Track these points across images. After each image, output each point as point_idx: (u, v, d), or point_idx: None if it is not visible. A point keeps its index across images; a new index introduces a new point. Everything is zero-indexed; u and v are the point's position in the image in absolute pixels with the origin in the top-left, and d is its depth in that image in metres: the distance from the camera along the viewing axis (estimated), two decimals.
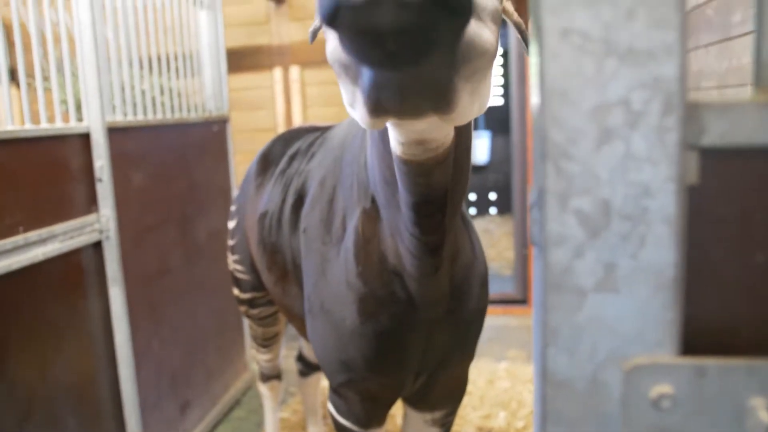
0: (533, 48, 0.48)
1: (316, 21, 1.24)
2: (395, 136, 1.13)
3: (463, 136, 1.24)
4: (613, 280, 0.49)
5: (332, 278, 1.59)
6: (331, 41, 0.85)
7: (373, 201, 1.49)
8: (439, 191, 1.22)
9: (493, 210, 7.74)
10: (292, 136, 2.28)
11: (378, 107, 0.83)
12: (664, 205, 0.47)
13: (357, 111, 0.88)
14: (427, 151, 1.13)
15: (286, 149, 2.20)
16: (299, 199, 1.86)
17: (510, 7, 1.26)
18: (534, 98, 0.48)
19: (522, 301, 4.96)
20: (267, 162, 2.26)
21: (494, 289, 5.18)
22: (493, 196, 7.70)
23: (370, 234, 1.50)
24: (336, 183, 1.67)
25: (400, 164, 1.18)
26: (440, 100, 0.84)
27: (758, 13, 0.49)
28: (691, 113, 0.48)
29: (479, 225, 6.96)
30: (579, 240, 0.49)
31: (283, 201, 1.95)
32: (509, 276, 5.55)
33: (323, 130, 2.14)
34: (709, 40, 2.42)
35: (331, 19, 0.66)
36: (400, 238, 1.39)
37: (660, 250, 0.48)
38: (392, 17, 0.63)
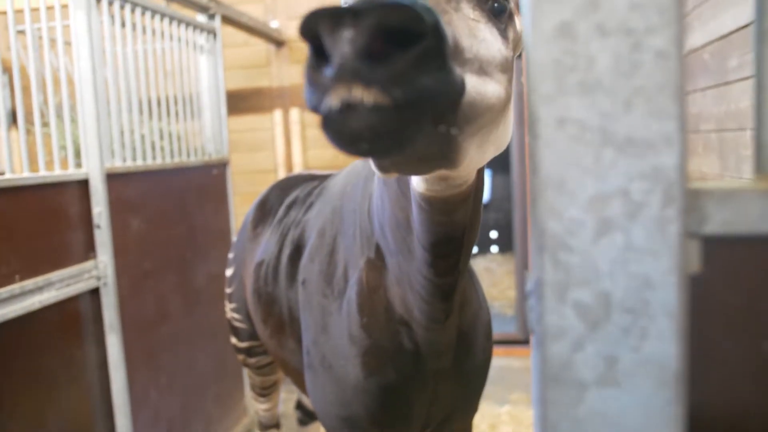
0: (530, 136, 0.46)
1: None
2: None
3: (479, 175, 1.23)
4: (615, 374, 0.47)
5: (334, 332, 1.55)
6: None
7: (378, 250, 1.47)
8: (459, 230, 1.22)
9: (494, 248, 7.71)
10: (289, 184, 2.27)
11: (382, 171, 0.87)
12: (666, 298, 0.46)
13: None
14: (450, 188, 1.13)
15: (283, 198, 2.18)
16: (297, 249, 1.84)
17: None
18: (531, 188, 0.47)
19: (524, 341, 4.91)
20: (264, 210, 2.24)
21: (496, 329, 5.12)
22: (494, 234, 7.68)
23: (375, 284, 1.48)
24: (336, 233, 1.65)
25: (422, 202, 1.17)
26: (443, 160, 0.84)
27: (757, 103, 0.47)
28: (693, 202, 0.46)
29: (481, 263, 6.93)
30: (578, 333, 0.47)
31: (280, 251, 1.93)
32: (511, 316, 5.50)
33: (321, 179, 2.12)
34: (706, 84, 2.43)
35: (320, 123, 0.69)
36: (409, 284, 1.37)
37: (663, 344, 0.46)
38: (365, 123, 0.65)
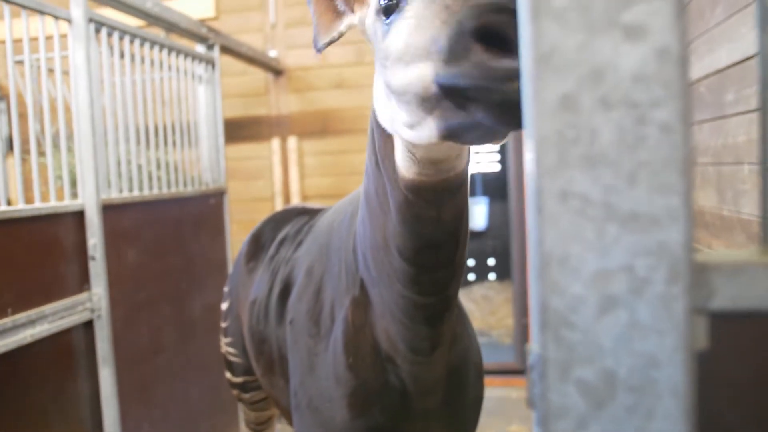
0: (531, 210, 0.45)
1: (333, 35, 1.23)
2: (409, 155, 1.12)
3: (466, 168, 1.21)
4: None
5: (320, 373, 1.53)
6: (419, 74, 0.90)
7: (362, 286, 1.45)
8: (446, 232, 1.19)
9: (492, 276, 7.69)
10: (283, 217, 2.25)
11: (451, 137, 0.93)
12: (673, 376, 0.44)
13: (418, 132, 0.96)
14: (440, 172, 1.12)
15: (276, 233, 2.17)
16: (286, 288, 1.81)
17: None
18: (533, 262, 0.45)
19: (523, 371, 4.87)
20: (258, 245, 2.23)
21: (494, 359, 5.09)
22: (491, 261, 7.66)
23: (360, 322, 1.46)
24: (323, 272, 1.63)
25: (409, 192, 1.15)
26: None
27: (764, 182, 0.46)
28: (699, 277, 0.45)
29: (478, 291, 6.89)
30: (582, 412, 0.45)
31: (270, 290, 1.91)
32: (509, 345, 5.46)
33: (312, 214, 2.09)
34: (703, 117, 2.43)
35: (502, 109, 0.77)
36: (391, 313, 1.34)
37: (669, 424, 0.45)
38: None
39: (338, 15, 1.17)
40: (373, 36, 1.08)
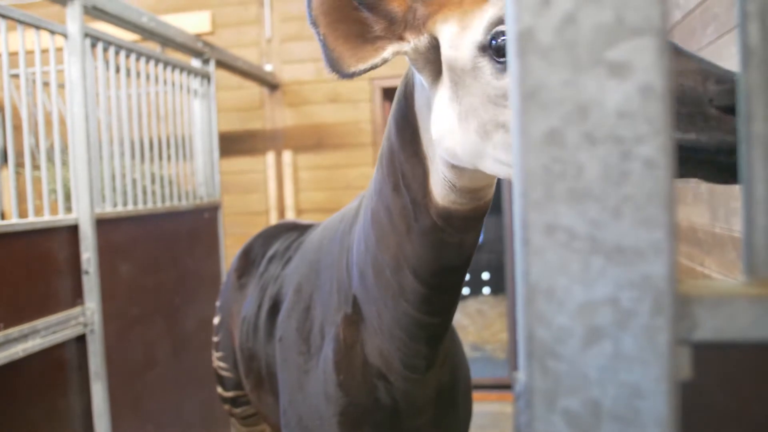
0: (517, 242, 0.46)
1: (374, 61, 1.13)
2: (449, 183, 1.13)
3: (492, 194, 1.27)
4: None
5: (310, 391, 1.52)
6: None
7: (355, 303, 1.45)
8: (464, 257, 1.23)
9: (486, 290, 7.70)
10: (272, 233, 2.26)
11: None
12: (657, 406, 0.45)
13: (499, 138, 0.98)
14: (473, 200, 1.15)
15: (266, 249, 2.17)
16: (275, 306, 1.81)
17: None
18: (519, 293, 0.46)
19: None
20: (248, 260, 2.23)
21: (488, 374, 5.09)
22: (486, 276, 7.67)
23: (352, 340, 1.46)
24: (313, 290, 1.63)
25: (440, 219, 1.17)
26: None
27: (746, 205, 0.47)
28: (683, 309, 0.46)
29: (473, 305, 6.89)
30: None
31: (259, 307, 1.92)
32: (503, 360, 5.46)
33: (302, 230, 2.09)
34: None
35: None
36: (389, 332, 1.35)
37: None
38: None
39: (368, 40, 1.10)
40: (463, 71, 1.04)
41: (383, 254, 1.30)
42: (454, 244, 1.20)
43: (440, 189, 1.16)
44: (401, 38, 1.09)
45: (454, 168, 1.12)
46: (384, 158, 1.29)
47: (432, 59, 1.09)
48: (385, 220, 1.28)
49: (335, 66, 1.09)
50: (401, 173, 1.23)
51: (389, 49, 1.09)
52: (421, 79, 1.15)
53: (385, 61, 1.10)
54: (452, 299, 1.30)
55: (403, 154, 1.22)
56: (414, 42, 1.08)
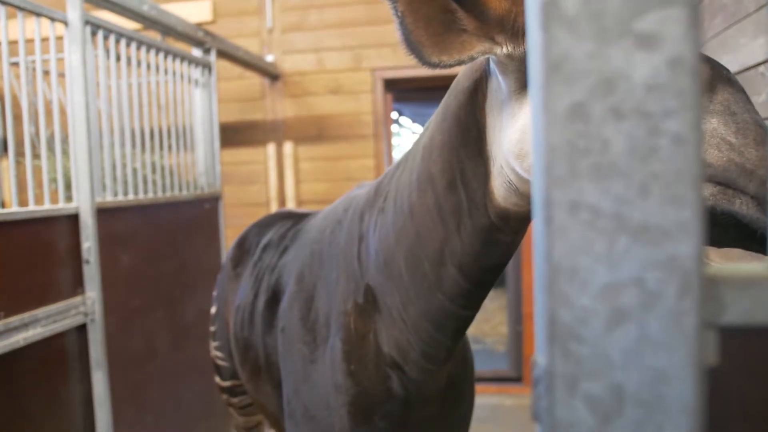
0: (539, 221, 0.44)
1: (461, 57, 1.05)
2: (512, 187, 1.12)
3: None
4: None
5: (317, 381, 1.51)
6: None
7: (367, 293, 1.44)
8: (509, 255, 1.24)
9: None
10: (266, 222, 2.24)
11: None
12: (683, 392, 0.43)
13: None
14: (530, 204, 1.14)
15: (260, 238, 2.15)
16: (274, 295, 1.79)
17: None
18: (540, 274, 0.44)
19: (517, 379, 4.86)
20: (243, 249, 2.22)
21: (488, 366, 5.09)
22: None
23: (364, 330, 1.45)
24: (316, 279, 1.61)
25: (498, 219, 1.17)
26: None
27: None
28: (709, 291, 0.44)
29: None
30: (589, 427, 0.44)
31: (255, 296, 1.90)
32: (503, 352, 5.46)
33: (297, 219, 2.07)
34: None
35: None
36: (413, 323, 1.35)
37: None
38: None
39: (452, 30, 1.03)
40: None
41: (424, 247, 1.29)
42: (505, 243, 1.20)
43: (503, 191, 1.14)
44: (492, 39, 1.03)
45: (523, 175, 1.10)
46: (435, 153, 1.26)
47: (524, 69, 1.05)
48: (433, 214, 1.26)
49: (416, 51, 1.03)
50: (459, 171, 1.21)
51: (478, 48, 1.03)
52: (499, 82, 1.10)
53: (472, 60, 1.04)
54: (487, 293, 1.31)
55: (465, 152, 1.19)
56: (509, 49, 1.02)
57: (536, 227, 0.45)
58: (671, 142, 0.42)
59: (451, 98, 1.25)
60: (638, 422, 0.44)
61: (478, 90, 1.18)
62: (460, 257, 1.23)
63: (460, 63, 1.04)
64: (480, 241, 1.20)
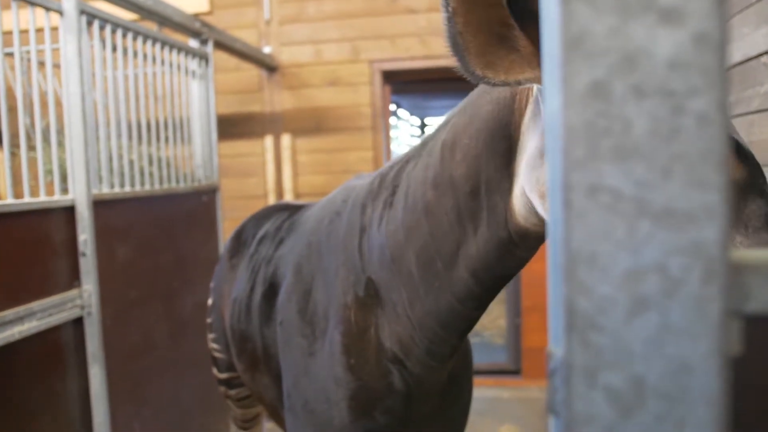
0: (555, 205, 0.42)
1: (507, 79, 0.98)
2: (532, 208, 1.10)
3: None
4: None
5: (317, 374, 1.49)
6: None
7: (368, 286, 1.42)
8: (524, 264, 1.24)
9: None
10: (263, 214, 2.23)
11: None
12: (706, 383, 0.42)
13: None
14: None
15: (256, 230, 2.13)
16: (271, 288, 1.77)
17: None
18: (557, 260, 0.43)
19: (515, 372, 4.85)
20: (240, 241, 2.20)
21: (486, 359, 5.08)
22: None
23: (365, 323, 1.43)
24: (315, 271, 1.59)
25: (518, 236, 1.16)
26: None
27: None
28: (734, 278, 0.42)
29: None
30: (609, 420, 0.43)
31: (252, 288, 1.88)
32: (501, 345, 5.45)
33: (293, 210, 2.04)
34: None
35: None
36: (418, 321, 1.34)
37: None
38: None
39: (503, 46, 0.96)
40: None
41: (438, 248, 1.28)
42: (521, 258, 1.21)
43: (523, 211, 1.12)
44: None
45: (543, 215, 1.08)
46: (458, 155, 1.23)
47: None
48: (451, 217, 1.24)
49: (459, 55, 0.95)
50: (485, 181, 1.18)
51: (528, 75, 0.96)
52: (540, 110, 1.05)
53: (518, 85, 0.97)
54: (495, 296, 1.31)
55: (493, 164, 1.17)
56: None
57: (553, 212, 0.44)
58: (696, 122, 0.40)
59: (482, 101, 1.20)
60: (659, 416, 0.42)
61: (516, 107, 1.13)
62: (474, 262, 1.23)
63: (505, 84, 0.97)
64: (496, 252, 1.20)
